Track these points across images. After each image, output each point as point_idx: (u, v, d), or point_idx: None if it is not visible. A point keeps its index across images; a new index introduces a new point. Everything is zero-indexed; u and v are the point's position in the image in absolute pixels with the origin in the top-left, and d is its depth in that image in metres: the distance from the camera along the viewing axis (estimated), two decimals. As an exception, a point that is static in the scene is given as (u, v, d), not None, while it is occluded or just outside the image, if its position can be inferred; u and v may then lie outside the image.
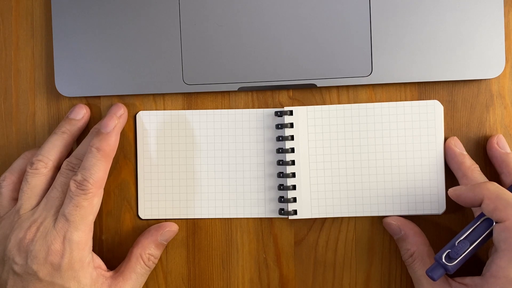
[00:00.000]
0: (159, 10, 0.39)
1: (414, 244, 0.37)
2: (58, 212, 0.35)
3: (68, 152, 0.39)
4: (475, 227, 0.34)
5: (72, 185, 0.35)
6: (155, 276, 0.41)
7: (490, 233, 0.34)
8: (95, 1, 0.40)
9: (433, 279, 0.33)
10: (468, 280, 0.34)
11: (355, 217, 0.40)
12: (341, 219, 0.40)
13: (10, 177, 0.38)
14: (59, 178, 0.36)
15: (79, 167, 0.36)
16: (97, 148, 0.36)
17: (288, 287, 0.40)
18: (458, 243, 0.34)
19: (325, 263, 0.40)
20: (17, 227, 0.35)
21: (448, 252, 0.33)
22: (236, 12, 0.39)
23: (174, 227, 0.40)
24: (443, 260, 0.33)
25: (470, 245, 0.33)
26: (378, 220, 0.40)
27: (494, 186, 0.33)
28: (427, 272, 0.34)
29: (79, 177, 0.35)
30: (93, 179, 0.35)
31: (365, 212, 0.39)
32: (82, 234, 0.35)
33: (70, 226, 0.34)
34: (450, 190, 0.36)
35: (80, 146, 0.38)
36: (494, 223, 0.33)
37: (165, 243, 0.39)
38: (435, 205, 0.39)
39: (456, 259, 0.33)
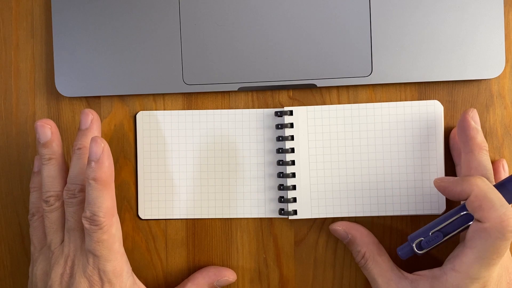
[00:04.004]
0: (159, 10, 0.39)
1: (364, 245, 0.37)
2: (83, 241, 0.35)
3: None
4: (453, 220, 0.34)
5: (85, 223, 0.34)
6: (155, 276, 0.41)
7: (466, 227, 0.33)
8: (95, 1, 0.40)
9: (402, 258, 0.36)
10: (426, 272, 0.35)
11: (355, 217, 0.40)
12: (341, 219, 0.40)
13: (37, 213, 0.38)
14: (67, 209, 0.36)
15: (78, 191, 0.35)
16: (94, 179, 0.33)
17: (288, 287, 0.40)
18: (432, 233, 0.34)
19: (325, 263, 0.40)
20: (54, 263, 0.35)
21: (421, 240, 0.34)
22: (236, 12, 0.39)
23: (233, 277, 0.40)
24: (414, 247, 0.35)
25: (444, 237, 0.34)
26: (378, 220, 0.40)
27: (484, 183, 0.32)
28: (398, 250, 0.36)
29: (87, 214, 0.34)
30: (102, 211, 0.34)
31: (365, 212, 0.39)
32: (114, 263, 0.34)
33: (100, 260, 0.34)
34: (436, 179, 0.35)
35: (70, 169, 0.36)
36: (473, 220, 0.32)
37: None
38: (435, 205, 0.39)
39: (426, 249, 0.34)
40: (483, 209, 0.31)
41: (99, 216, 0.33)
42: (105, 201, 0.34)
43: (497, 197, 0.31)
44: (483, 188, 0.32)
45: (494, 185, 0.33)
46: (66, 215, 0.36)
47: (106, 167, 0.34)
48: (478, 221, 0.32)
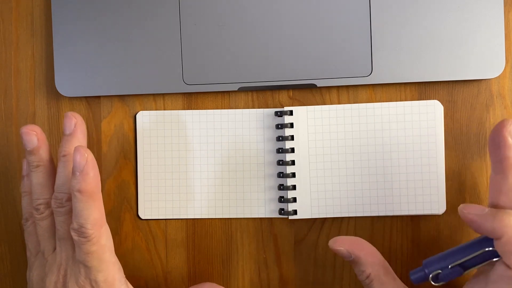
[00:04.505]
0: (159, 10, 0.39)
1: (369, 265, 0.34)
2: (75, 250, 0.35)
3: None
4: (476, 255, 0.32)
5: (74, 235, 0.33)
6: (155, 276, 0.41)
7: (488, 259, 0.32)
8: (95, 1, 0.40)
9: (413, 283, 0.34)
10: None
11: (355, 217, 0.40)
12: (341, 219, 0.40)
13: (30, 218, 0.38)
14: (56, 218, 0.35)
15: (66, 200, 0.34)
16: (79, 191, 0.32)
17: (288, 287, 0.40)
18: (451, 266, 0.32)
19: (325, 263, 0.40)
20: (48, 271, 0.35)
21: (438, 273, 0.33)
22: (236, 12, 0.39)
23: None
24: (431, 280, 0.33)
25: (464, 271, 0.32)
26: (378, 220, 0.40)
27: None
28: (410, 274, 0.34)
29: (75, 226, 0.33)
30: (90, 223, 0.33)
31: (365, 212, 0.39)
32: (106, 272, 0.34)
33: (91, 270, 0.33)
34: (462, 208, 0.32)
35: (57, 178, 0.35)
36: (498, 258, 0.31)
37: None
38: (435, 205, 0.39)
39: (444, 282, 0.33)
40: None
41: (87, 228, 0.33)
42: (92, 213, 0.33)
43: None
44: None
45: None
46: (56, 224, 0.35)
47: (91, 178, 0.32)
48: (507, 266, 0.29)
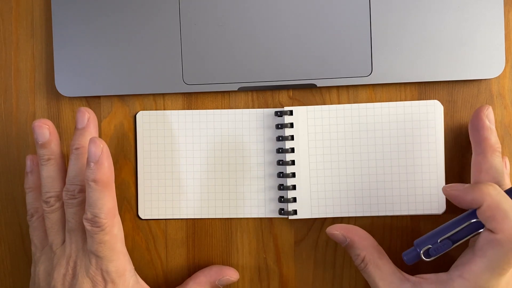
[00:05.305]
0: (159, 10, 0.39)
1: (363, 248, 0.35)
2: (85, 241, 0.35)
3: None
4: (462, 228, 0.33)
5: (87, 225, 0.34)
6: (155, 276, 0.41)
7: (475, 233, 0.33)
8: (95, 1, 0.40)
9: (407, 263, 0.35)
10: (430, 275, 0.34)
11: (355, 217, 0.40)
12: (341, 219, 0.40)
13: (35, 213, 0.38)
14: (67, 210, 0.35)
15: (78, 191, 0.35)
16: (94, 181, 0.33)
17: (288, 287, 0.40)
18: (441, 241, 0.34)
19: (325, 263, 0.40)
20: (56, 264, 0.35)
21: (429, 248, 0.34)
22: (236, 12, 0.39)
23: (235, 276, 0.39)
24: (422, 255, 0.34)
25: (452, 244, 0.33)
26: (378, 220, 0.40)
27: (496, 191, 0.31)
28: (403, 255, 0.35)
29: (89, 215, 0.34)
30: (103, 213, 0.33)
31: (365, 212, 0.39)
32: (117, 262, 0.34)
33: (103, 260, 0.34)
34: (445, 187, 0.34)
35: (69, 170, 0.36)
36: (483, 228, 0.32)
37: (221, 287, 0.39)
38: (435, 205, 0.39)
39: (435, 256, 0.34)
40: (496, 220, 0.31)
41: (101, 217, 0.33)
42: (106, 203, 0.34)
43: (511, 207, 0.31)
44: (496, 198, 0.31)
45: (506, 191, 0.32)
46: (66, 216, 0.36)
47: (106, 168, 0.34)
48: (490, 231, 0.31)
